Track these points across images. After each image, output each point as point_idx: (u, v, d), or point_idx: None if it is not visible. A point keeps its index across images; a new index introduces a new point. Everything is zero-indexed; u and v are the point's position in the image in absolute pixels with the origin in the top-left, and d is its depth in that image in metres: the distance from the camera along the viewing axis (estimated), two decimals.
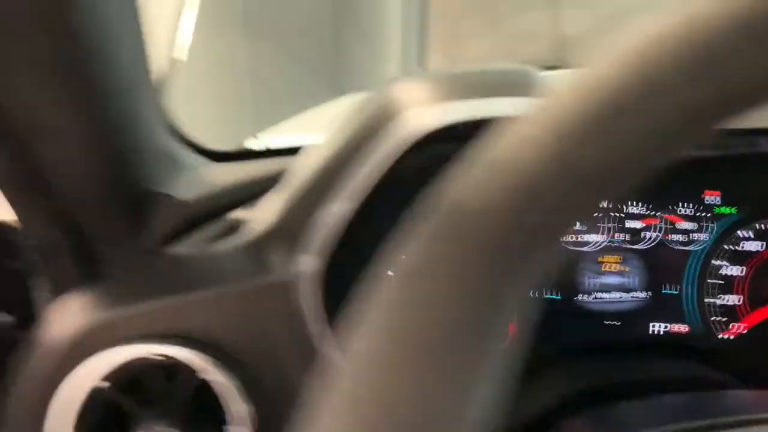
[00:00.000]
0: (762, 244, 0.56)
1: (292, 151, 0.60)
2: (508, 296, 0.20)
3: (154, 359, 0.46)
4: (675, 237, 0.55)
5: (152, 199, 0.51)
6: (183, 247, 0.53)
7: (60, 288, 0.50)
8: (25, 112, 0.40)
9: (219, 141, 0.67)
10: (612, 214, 0.54)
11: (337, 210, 0.44)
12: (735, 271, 0.56)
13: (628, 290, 0.55)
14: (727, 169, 0.54)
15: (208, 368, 0.46)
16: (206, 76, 1.29)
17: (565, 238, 0.21)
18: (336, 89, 1.23)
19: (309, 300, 0.46)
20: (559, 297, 0.55)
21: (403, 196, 0.48)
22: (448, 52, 1.34)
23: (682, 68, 0.18)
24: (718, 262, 0.56)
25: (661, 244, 0.55)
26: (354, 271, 0.50)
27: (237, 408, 0.47)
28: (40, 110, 0.40)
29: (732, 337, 0.56)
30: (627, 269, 0.55)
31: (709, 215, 0.55)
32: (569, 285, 0.55)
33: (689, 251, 0.55)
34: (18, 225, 0.50)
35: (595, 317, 0.55)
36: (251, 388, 0.47)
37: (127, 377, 0.46)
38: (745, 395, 0.47)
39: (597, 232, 0.54)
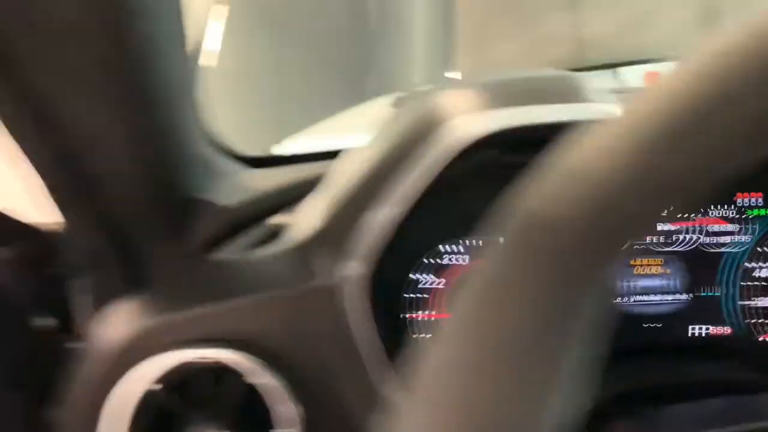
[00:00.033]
0: None
1: (328, 156, 0.61)
2: (584, 303, 0.21)
3: (202, 363, 0.47)
4: (713, 239, 0.55)
5: (195, 206, 0.52)
6: (226, 253, 0.54)
7: (105, 292, 0.51)
8: (76, 119, 0.41)
9: (245, 146, 0.68)
10: None
11: (384, 215, 0.45)
12: None
13: (667, 293, 0.55)
14: None
15: (255, 370, 0.47)
16: (232, 82, 1.31)
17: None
18: (361, 93, 1.24)
19: (355, 304, 0.47)
20: None
21: (449, 202, 0.48)
22: (475, 55, 1.34)
23: (753, 80, 0.18)
24: (757, 264, 0.55)
25: (700, 246, 0.55)
26: (400, 276, 0.51)
27: (284, 410, 0.48)
28: (90, 118, 0.41)
29: None
30: (667, 271, 0.55)
31: (749, 217, 0.55)
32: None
33: (728, 253, 0.55)
34: (61, 229, 0.51)
35: (634, 320, 0.55)
36: (298, 390, 0.48)
37: (177, 381, 0.47)
38: None
39: None
